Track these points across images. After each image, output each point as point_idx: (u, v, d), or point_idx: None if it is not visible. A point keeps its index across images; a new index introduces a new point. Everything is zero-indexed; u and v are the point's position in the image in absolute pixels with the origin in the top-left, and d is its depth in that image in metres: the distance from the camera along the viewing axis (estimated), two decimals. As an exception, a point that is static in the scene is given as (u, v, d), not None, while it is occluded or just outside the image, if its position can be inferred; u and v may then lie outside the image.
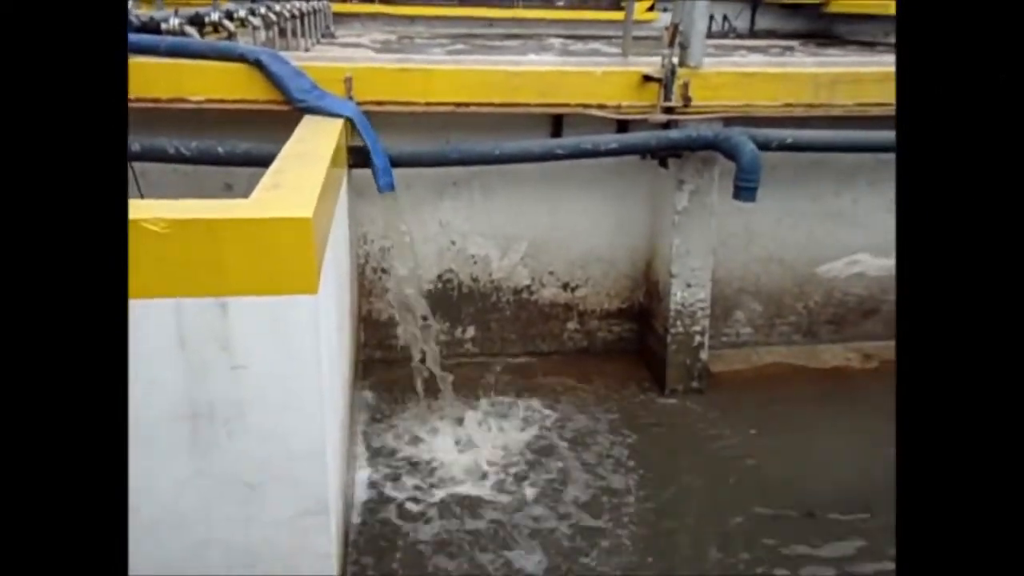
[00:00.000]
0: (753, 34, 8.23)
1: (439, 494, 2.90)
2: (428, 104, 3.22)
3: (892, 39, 6.98)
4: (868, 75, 3.54)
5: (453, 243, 3.77)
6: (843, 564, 2.60)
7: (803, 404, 3.64)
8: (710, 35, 8.04)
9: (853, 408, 3.62)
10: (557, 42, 7.23)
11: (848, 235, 3.98)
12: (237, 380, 1.79)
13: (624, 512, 2.84)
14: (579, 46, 6.74)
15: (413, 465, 3.07)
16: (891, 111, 3.52)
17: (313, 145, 2.41)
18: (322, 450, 1.92)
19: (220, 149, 2.88)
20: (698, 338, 3.75)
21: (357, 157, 3.06)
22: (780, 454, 3.21)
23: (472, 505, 2.84)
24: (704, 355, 3.78)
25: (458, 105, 3.25)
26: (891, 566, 2.56)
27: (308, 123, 2.74)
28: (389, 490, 2.92)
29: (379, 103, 3.14)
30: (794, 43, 7.20)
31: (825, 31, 8.11)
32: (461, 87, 3.27)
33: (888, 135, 3.52)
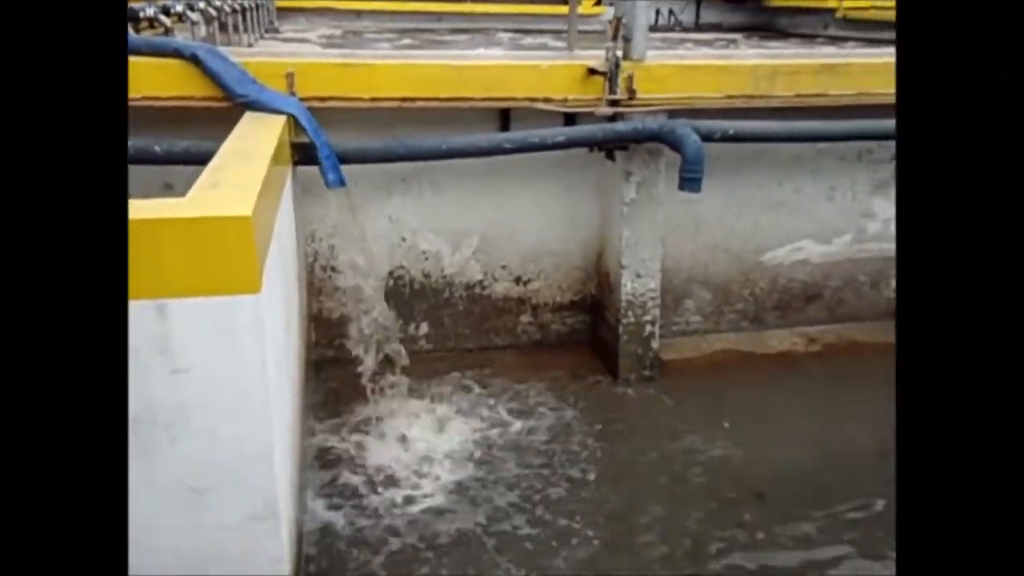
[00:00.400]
0: (698, 27, 8.37)
1: (394, 491, 2.88)
2: (373, 100, 3.18)
3: (830, 31, 7.19)
4: (805, 67, 3.64)
5: (404, 239, 3.75)
6: (796, 546, 2.67)
7: (752, 389, 3.73)
8: (656, 29, 8.18)
9: (800, 391, 3.74)
10: (506, 36, 7.22)
11: (791, 223, 4.09)
12: (178, 384, 1.75)
13: (582, 499, 2.87)
14: (528, 40, 6.75)
15: (368, 464, 3.05)
16: (827, 101, 3.64)
17: (254, 142, 2.36)
18: (270, 452, 1.89)
19: (157, 148, 2.80)
20: (649, 328, 3.81)
21: (302, 154, 3.01)
22: (731, 438, 3.28)
23: (432, 501, 2.84)
24: (655, 344, 3.84)
25: (404, 100, 3.23)
26: (846, 549, 2.64)
27: (249, 120, 2.68)
28: (341, 493, 2.89)
29: (322, 99, 3.10)
30: (737, 36, 7.34)
31: (767, 24, 8.30)
32: (406, 82, 3.25)
33: (824, 125, 3.63)
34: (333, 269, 3.68)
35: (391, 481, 2.96)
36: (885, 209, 4.17)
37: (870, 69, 3.71)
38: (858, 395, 3.72)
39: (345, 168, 3.10)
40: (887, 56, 4.06)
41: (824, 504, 2.86)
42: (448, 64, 3.36)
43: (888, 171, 4.10)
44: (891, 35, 6.38)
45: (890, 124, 3.71)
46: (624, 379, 3.80)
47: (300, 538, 2.48)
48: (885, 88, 3.70)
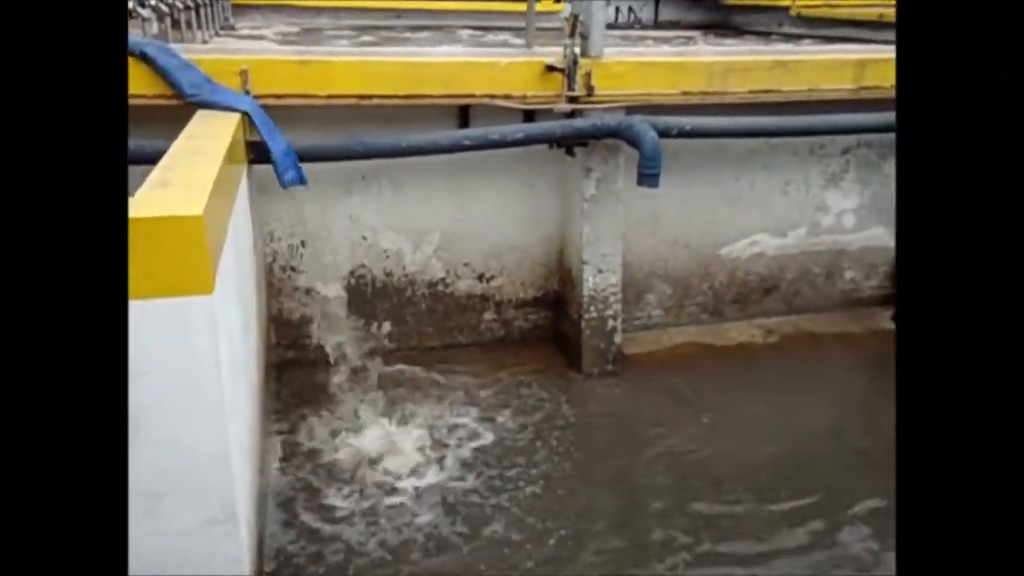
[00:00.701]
0: (657, 25, 8.46)
1: (361, 489, 2.87)
2: (330, 97, 3.15)
3: (784, 29, 7.33)
4: (758, 63, 3.72)
5: (364, 238, 3.72)
6: (757, 533, 2.72)
7: (713, 380, 3.80)
8: (616, 27, 8.25)
9: (759, 381, 3.82)
10: (466, 34, 7.20)
11: (747, 217, 4.17)
12: (132, 387, 1.71)
13: (547, 490, 2.90)
14: (489, 37, 6.75)
15: (332, 465, 3.02)
16: (779, 97, 3.71)
17: (205, 140, 2.32)
18: (227, 455, 1.87)
19: (107, 147, 2.73)
20: (611, 322, 3.85)
21: (258, 152, 2.97)
22: (692, 428, 3.34)
23: (404, 499, 2.83)
24: (618, 338, 3.88)
25: (361, 98, 3.21)
26: (806, 538, 2.70)
27: (201, 118, 2.64)
28: (303, 495, 2.86)
29: (278, 96, 3.06)
30: (695, 34, 7.44)
31: (724, 22, 8.43)
32: (364, 79, 3.22)
33: (777, 120, 3.71)
34: (293, 269, 3.64)
35: (351, 476, 2.94)
36: (838, 202, 4.28)
37: (820, 65, 3.81)
38: (815, 384, 3.82)
39: (304, 166, 3.07)
40: (838, 53, 4.16)
41: (783, 492, 2.93)
42: (406, 61, 3.34)
43: (838, 165, 4.21)
44: (843, 32, 6.55)
45: (840, 119, 3.81)
46: (587, 373, 3.83)
47: (261, 540, 2.45)
48: (836, 84, 3.80)
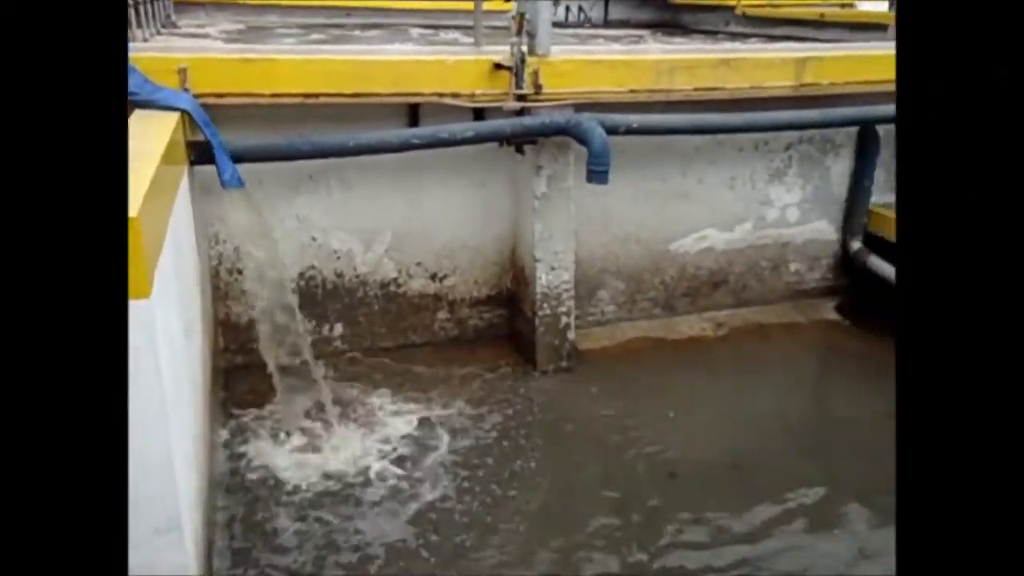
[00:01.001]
0: (607, 24, 8.55)
1: (310, 494, 2.83)
2: (274, 96, 3.10)
3: (731, 28, 7.49)
4: (703, 61, 3.79)
5: (314, 239, 3.67)
6: (710, 521, 2.77)
7: (666, 373, 3.87)
8: (566, 25, 8.30)
9: (711, 373, 3.89)
10: (417, 32, 7.16)
11: (695, 212, 4.25)
12: (64, 397, 1.66)
13: (506, 489, 2.90)
14: (441, 36, 6.72)
15: (279, 470, 2.97)
16: (724, 94, 3.79)
17: (142, 140, 2.25)
18: (170, 464, 1.82)
19: (39, 149, 2.63)
20: (565, 319, 3.88)
21: (200, 153, 2.90)
22: (646, 421, 3.39)
23: (355, 498, 2.80)
24: (571, 335, 3.91)
25: (307, 96, 3.16)
26: (756, 526, 2.76)
27: (138, 118, 2.56)
28: (256, 503, 2.81)
29: (219, 95, 2.99)
30: (644, 32, 7.55)
31: (672, 21, 8.57)
32: (309, 77, 3.18)
33: (723, 117, 3.79)
34: (239, 272, 3.56)
35: (304, 480, 2.90)
36: (781, 196, 4.39)
37: (763, 63, 3.90)
38: (765, 374, 3.92)
39: (250, 167, 3.01)
40: (781, 51, 4.27)
41: (736, 481, 3.00)
42: (353, 59, 3.31)
43: (782, 160, 4.32)
44: (786, 31, 6.73)
45: (782, 116, 3.91)
46: (542, 370, 3.85)
47: (209, 549, 2.40)
48: (777, 81, 3.90)
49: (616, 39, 6.65)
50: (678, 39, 6.92)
